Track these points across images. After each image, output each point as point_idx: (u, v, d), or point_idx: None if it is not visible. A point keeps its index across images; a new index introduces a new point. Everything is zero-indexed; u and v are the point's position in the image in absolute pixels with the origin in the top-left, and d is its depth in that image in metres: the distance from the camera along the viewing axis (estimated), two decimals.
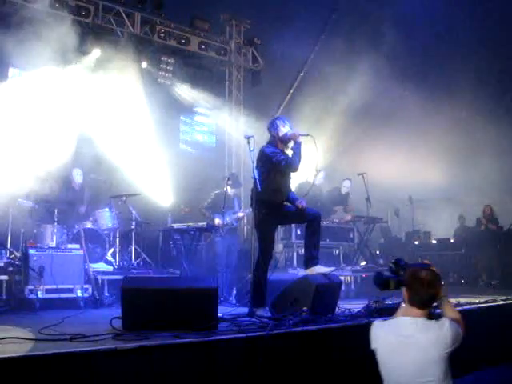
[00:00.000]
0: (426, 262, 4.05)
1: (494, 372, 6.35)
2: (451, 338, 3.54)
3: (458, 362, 3.55)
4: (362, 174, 11.09)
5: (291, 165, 6.42)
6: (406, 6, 12.47)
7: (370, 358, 3.70)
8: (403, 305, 3.80)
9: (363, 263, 10.79)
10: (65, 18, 11.08)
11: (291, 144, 6.55)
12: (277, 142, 6.58)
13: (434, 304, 3.80)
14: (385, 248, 12.60)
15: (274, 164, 6.38)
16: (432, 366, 3.52)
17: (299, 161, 6.48)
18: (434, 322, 3.63)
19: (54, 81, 11.08)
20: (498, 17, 13.54)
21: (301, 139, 6.51)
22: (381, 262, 11.30)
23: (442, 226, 13.85)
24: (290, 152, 6.55)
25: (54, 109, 10.89)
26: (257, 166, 6.34)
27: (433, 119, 13.93)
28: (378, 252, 12.34)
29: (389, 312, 5.63)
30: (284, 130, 6.55)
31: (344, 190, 11.33)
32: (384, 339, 3.72)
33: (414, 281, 3.72)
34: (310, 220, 6.71)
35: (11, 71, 11.08)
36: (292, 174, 6.78)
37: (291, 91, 13.84)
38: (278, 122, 6.60)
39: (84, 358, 3.77)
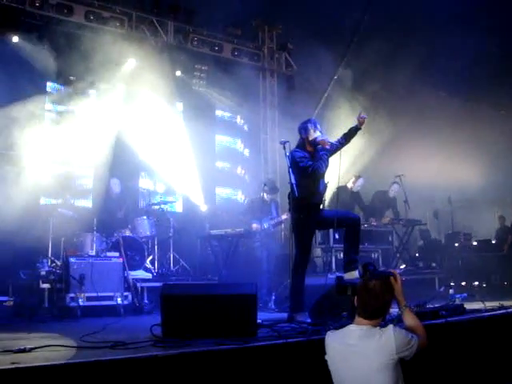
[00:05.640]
0: (392, 271, 4.00)
1: None
2: (395, 345, 3.47)
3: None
4: (399, 175, 11.03)
5: (317, 171, 6.42)
6: (444, 6, 12.30)
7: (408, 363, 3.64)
8: None
9: (403, 266, 10.65)
10: (99, 29, 11.26)
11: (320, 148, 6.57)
12: (306, 144, 6.58)
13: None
14: (424, 251, 12.39)
15: (301, 169, 6.37)
16: (377, 374, 3.46)
17: (326, 167, 6.52)
18: (377, 329, 3.58)
19: (91, 92, 11.29)
20: None
21: (328, 146, 6.51)
22: (420, 264, 11.14)
23: (482, 227, 13.59)
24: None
25: (92, 120, 11.09)
26: (292, 171, 6.33)
27: (472, 118, 13.68)
28: (417, 255, 12.16)
29: (430, 316, 5.55)
30: (314, 134, 6.53)
31: (392, 194, 11.25)
32: (333, 349, 3.70)
33: (362, 291, 3.70)
34: (349, 224, 6.68)
35: (49, 85, 11.26)
36: (328, 178, 6.76)
37: (325, 95, 13.77)
38: (309, 125, 6.58)
39: (125, 365, 3.80)
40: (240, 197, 13.78)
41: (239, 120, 14.43)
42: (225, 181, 13.89)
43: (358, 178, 10.82)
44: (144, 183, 12.22)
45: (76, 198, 9.51)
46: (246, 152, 14.41)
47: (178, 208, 12.65)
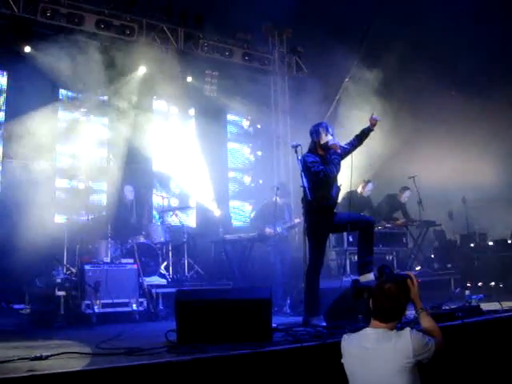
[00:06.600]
0: (408, 273, 3.98)
1: None
2: (413, 348, 3.44)
3: None
4: (412, 177, 10.96)
5: (329, 175, 6.40)
6: (451, 7, 12.26)
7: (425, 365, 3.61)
8: None
9: (418, 268, 10.60)
10: (110, 38, 11.34)
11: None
12: (317, 148, 6.57)
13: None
14: (440, 252, 12.31)
15: (313, 173, 6.37)
16: (394, 377, 3.43)
17: (337, 171, 6.52)
18: (394, 332, 3.56)
19: (103, 99, 11.37)
20: None
21: (340, 150, 6.51)
22: (436, 266, 11.08)
23: (498, 227, 13.47)
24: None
25: (104, 128, 11.18)
26: (305, 175, 6.33)
27: (487, 117, 13.58)
28: (432, 256, 12.09)
29: (446, 318, 5.51)
30: (326, 138, 6.51)
31: (404, 200, 11.22)
32: (349, 352, 3.67)
33: (377, 294, 3.67)
34: (362, 227, 6.66)
35: (61, 92, 11.35)
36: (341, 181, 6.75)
37: (337, 97, 13.73)
38: (320, 129, 6.57)
39: (140, 371, 3.81)
40: (247, 208, 13.79)
41: (251, 124, 14.44)
42: (235, 193, 13.94)
43: (367, 182, 10.80)
44: (157, 198, 12.16)
45: (90, 215, 9.53)
46: (254, 157, 14.42)
47: (192, 222, 12.62)
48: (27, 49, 10.61)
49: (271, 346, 4.55)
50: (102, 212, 10.22)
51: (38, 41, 10.46)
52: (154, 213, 11.80)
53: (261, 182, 13.87)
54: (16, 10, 10.57)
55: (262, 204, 10.36)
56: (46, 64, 10.10)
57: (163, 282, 9.19)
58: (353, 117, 10.75)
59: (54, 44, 10.12)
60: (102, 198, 11.12)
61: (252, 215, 10.56)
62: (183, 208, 11.71)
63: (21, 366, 3.85)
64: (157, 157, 12.09)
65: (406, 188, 11.17)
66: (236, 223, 13.16)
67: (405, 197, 11.21)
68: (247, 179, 14.07)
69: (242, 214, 13.74)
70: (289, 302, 8.29)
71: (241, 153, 14.32)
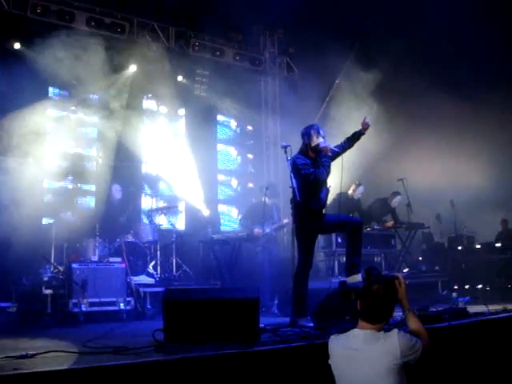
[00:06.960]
0: (396, 274, 3.99)
1: None
2: (400, 349, 3.44)
3: None
4: (401, 179, 11.00)
5: (319, 178, 6.42)
6: (447, 9, 12.32)
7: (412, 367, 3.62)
8: None
9: (406, 270, 10.63)
10: (101, 35, 11.28)
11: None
12: (308, 150, 6.58)
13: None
14: (427, 254, 12.37)
15: (303, 176, 6.37)
16: (382, 378, 3.43)
17: (327, 173, 6.54)
18: (382, 333, 3.56)
19: (93, 97, 11.31)
20: None
21: (330, 153, 6.52)
22: (423, 268, 11.12)
23: (486, 230, 13.54)
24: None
25: (93, 126, 11.13)
26: (294, 176, 6.33)
27: (477, 121, 13.64)
28: (420, 258, 12.14)
29: (433, 320, 5.53)
30: (317, 140, 6.52)
31: (394, 205, 11.23)
32: (337, 353, 3.67)
33: (365, 295, 3.67)
34: (350, 228, 6.67)
35: (51, 90, 11.28)
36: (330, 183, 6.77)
37: (327, 99, 13.75)
38: (312, 131, 6.57)
39: (127, 370, 3.79)
40: (234, 214, 13.77)
41: (240, 125, 14.42)
42: (224, 197, 13.92)
43: (358, 185, 10.81)
44: (146, 199, 12.13)
45: (78, 214, 9.49)
46: (241, 159, 14.38)
47: (181, 223, 12.56)
48: (17, 45, 10.53)
49: (258, 346, 4.55)
50: (90, 211, 10.17)
51: (28, 38, 10.39)
52: (143, 216, 11.73)
53: (251, 185, 13.84)
54: (6, 6, 10.49)
55: (250, 204, 10.35)
56: (35, 61, 10.02)
57: (151, 281, 9.18)
58: (343, 118, 10.78)
59: (44, 41, 10.04)
60: (91, 198, 11.06)
61: (240, 216, 10.52)
62: (171, 208, 11.66)
63: (6, 365, 3.83)
64: (146, 156, 12.04)
65: (397, 193, 11.18)
66: (224, 229, 13.09)
67: (395, 201, 11.21)
68: (234, 182, 14.04)
69: (230, 219, 13.70)
70: (276, 302, 8.30)
71: (230, 154, 14.30)
